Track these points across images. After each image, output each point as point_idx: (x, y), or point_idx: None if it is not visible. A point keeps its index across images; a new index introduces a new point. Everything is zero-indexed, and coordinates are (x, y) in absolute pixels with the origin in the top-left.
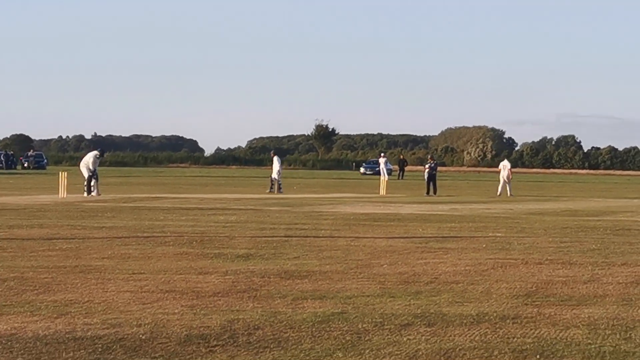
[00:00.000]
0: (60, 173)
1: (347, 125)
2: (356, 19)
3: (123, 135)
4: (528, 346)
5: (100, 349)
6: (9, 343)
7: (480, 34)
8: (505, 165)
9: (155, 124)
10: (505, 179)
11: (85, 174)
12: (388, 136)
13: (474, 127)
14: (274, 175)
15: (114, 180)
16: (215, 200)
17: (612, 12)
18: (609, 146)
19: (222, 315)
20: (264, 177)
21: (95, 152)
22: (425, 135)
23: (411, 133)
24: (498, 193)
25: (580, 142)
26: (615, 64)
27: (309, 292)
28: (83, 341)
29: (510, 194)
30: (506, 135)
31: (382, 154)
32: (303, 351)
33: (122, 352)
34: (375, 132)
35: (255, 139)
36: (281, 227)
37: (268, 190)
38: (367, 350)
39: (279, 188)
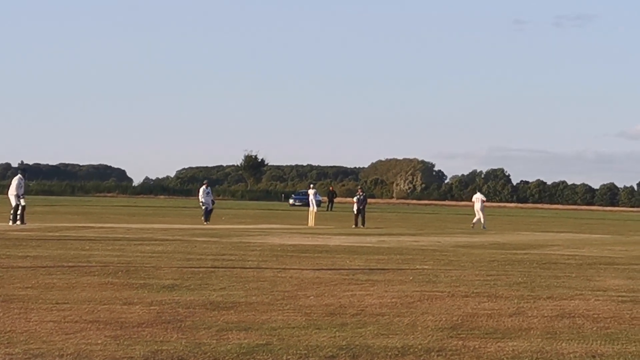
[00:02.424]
0: None
1: (276, 156)
2: (286, 49)
3: (50, 163)
4: None
5: None
6: None
7: (411, 67)
8: (478, 198)
9: (83, 153)
10: (480, 211)
11: (13, 202)
12: (318, 167)
13: (404, 159)
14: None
15: (40, 209)
16: (142, 230)
17: (541, 48)
18: (538, 180)
19: (146, 346)
20: (192, 208)
21: (18, 176)
22: (355, 167)
23: (341, 165)
24: (472, 225)
25: (509, 175)
26: (544, 99)
27: (234, 324)
28: None
29: (484, 227)
30: (436, 168)
31: (311, 185)
32: None
33: None
34: (305, 164)
35: (184, 169)
36: (208, 258)
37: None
38: None
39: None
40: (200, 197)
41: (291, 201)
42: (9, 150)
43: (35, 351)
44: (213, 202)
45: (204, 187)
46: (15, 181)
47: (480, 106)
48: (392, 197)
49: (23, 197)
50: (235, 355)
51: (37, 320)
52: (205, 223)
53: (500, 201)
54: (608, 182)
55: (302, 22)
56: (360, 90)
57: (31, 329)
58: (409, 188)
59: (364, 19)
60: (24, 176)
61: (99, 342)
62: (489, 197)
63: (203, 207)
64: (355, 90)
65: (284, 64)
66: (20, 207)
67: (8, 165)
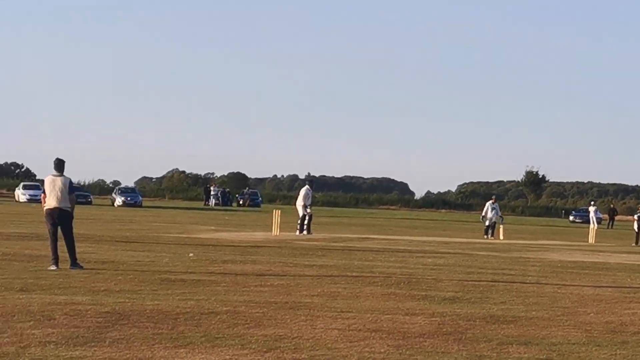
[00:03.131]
0: (274, 211)
1: (557, 172)
2: (564, 61)
3: (335, 176)
4: None
5: None
6: None
7: None
8: None
9: (367, 166)
10: None
11: (300, 212)
12: (599, 185)
13: None
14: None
15: (325, 220)
16: (424, 242)
17: None
18: None
19: (427, 356)
20: (472, 222)
21: (306, 187)
22: (636, 185)
23: (622, 182)
24: None
25: None
26: None
27: (514, 337)
28: None
29: None
30: None
31: (592, 203)
32: None
33: None
34: (586, 181)
35: (465, 183)
36: (488, 272)
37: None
38: None
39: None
40: (483, 212)
41: (571, 218)
42: (297, 162)
43: (320, 357)
44: (502, 218)
45: (490, 202)
46: (302, 192)
47: None
48: None
49: (310, 207)
50: None
51: (323, 327)
52: (485, 237)
53: None
54: None
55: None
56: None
57: (317, 335)
58: None
59: None
60: (311, 187)
61: (382, 350)
62: None
63: (485, 223)
64: (634, 108)
65: (565, 80)
66: (307, 217)
67: (295, 176)
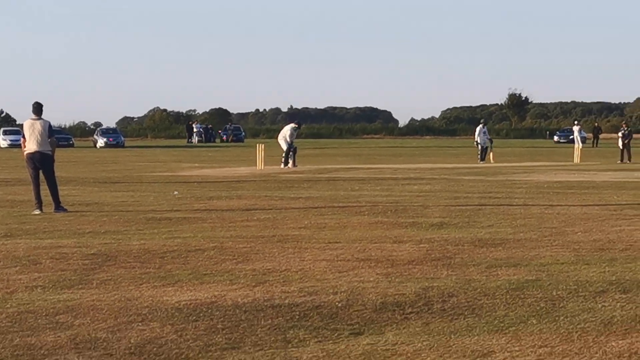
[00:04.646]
0: (257, 145)
1: (540, 93)
2: None
3: (318, 107)
4: None
5: (297, 316)
6: (209, 311)
7: None
8: None
9: (350, 96)
10: None
11: (284, 146)
12: (582, 104)
13: None
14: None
15: (310, 152)
16: (409, 170)
17: None
18: None
19: (416, 283)
20: (457, 147)
21: (292, 125)
22: (620, 103)
23: (606, 100)
24: None
25: None
26: None
27: (502, 260)
28: (281, 308)
29: None
30: None
31: (575, 122)
32: (497, 318)
33: (318, 319)
34: (569, 100)
35: (448, 109)
36: (475, 196)
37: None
38: (562, 317)
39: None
40: (475, 137)
41: (556, 138)
42: (279, 95)
43: (309, 289)
44: (491, 141)
45: (480, 126)
46: (288, 130)
47: None
48: None
49: (293, 143)
50: (505, 291)
51: (311, 259)
52: (480, 162)
53: None
54: None
55: None
56: (624, 25)
57: (305, 267)
58: None
59: None
60: (298, 127)
61: (371, 279)
62: None
63: (478, 147)
64: (619, 26)
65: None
66: (291, 150)
67: (278, 110)
